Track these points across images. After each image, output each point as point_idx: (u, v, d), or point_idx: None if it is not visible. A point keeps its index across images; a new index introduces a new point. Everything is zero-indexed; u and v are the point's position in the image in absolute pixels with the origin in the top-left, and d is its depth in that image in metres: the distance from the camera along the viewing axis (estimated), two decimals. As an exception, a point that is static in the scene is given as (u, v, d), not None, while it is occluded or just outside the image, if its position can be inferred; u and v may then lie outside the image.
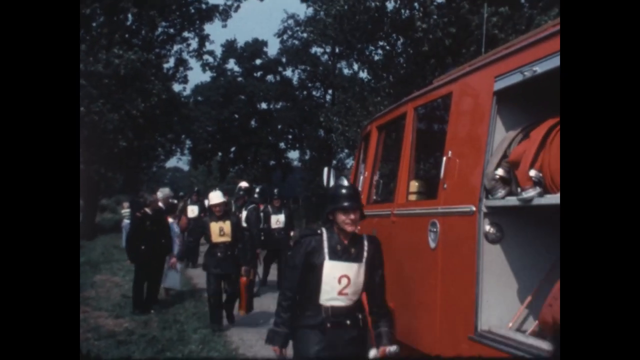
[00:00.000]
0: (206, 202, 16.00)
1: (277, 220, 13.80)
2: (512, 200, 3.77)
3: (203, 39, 33.60)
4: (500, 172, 3.89)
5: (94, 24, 26.16)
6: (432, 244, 4.53)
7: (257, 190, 14.36)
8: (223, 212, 9.48)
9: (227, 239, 9.38)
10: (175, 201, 17.72)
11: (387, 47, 20.55)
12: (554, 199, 3.39)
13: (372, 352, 4.41)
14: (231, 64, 49.17)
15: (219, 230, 9.38)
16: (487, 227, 3.97)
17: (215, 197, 9.59)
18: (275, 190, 14.75)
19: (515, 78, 3.77)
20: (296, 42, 44.88)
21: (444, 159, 4.48)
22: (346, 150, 28.43)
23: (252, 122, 49.49)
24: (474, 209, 4.02)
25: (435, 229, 4.50)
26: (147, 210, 10.91)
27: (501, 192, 3.89)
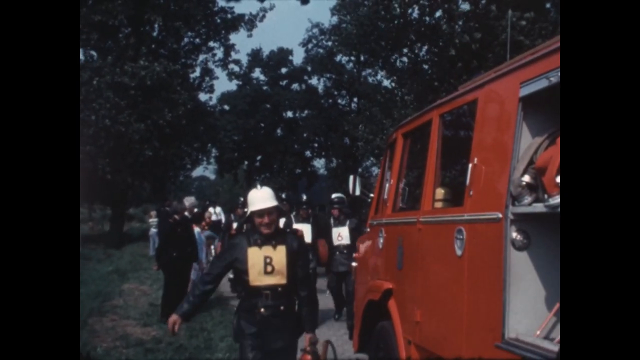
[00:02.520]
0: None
1: (339, 234, 10.92)
2: (539, 207, 3.74)
3: (229, 48, 33.79)
4: (526, 178, 3.86)
5: (120, 36, 26.47)
6: (459, 252, 4.50)
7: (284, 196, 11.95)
8: (274, 230, 5.07)
9: (278, 280, 5.00)
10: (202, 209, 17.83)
11: (412, 55, 20.52)
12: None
13: None
14: (257, 73, 49.55)
15: (264, 264, 4.97)
16: (514, 234, 3.94)
17: (261, 198, 5.05)
18: (334, 196, 11.49)
19: (541, 84, 3.74)
20: (321, 50, 45.02)
21: (470, 165, 4.46)
22: (372, 158, 28.41)
23: (278, 131, 49.70)
24: (500, 216, 3.99)
25: (461, 237, 4.48)
26: (177, 217, 11.13)
27: (528, 199, 3.86)
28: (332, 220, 11.18)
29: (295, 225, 10.80)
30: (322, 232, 11.15)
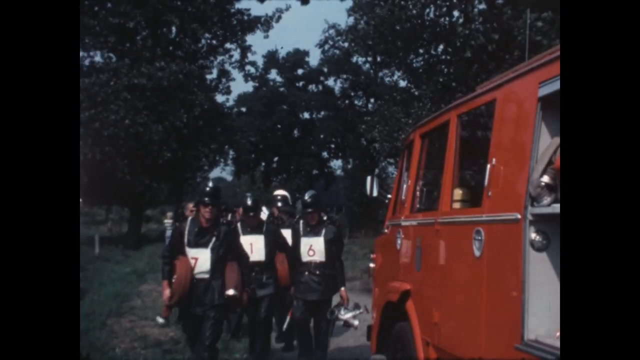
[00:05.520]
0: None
1: (311, 247, 7.76)
2: (558, 208, 3.72)
3: (245, 49, 33.83)
4: (545, 179, 3.83)
5: (138, 38, 26.63)
6: (477, 253, 4.48)
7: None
8: None
9: None
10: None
11: (427, 55, 20.48)
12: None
13: None
14: (273, 74, 49.71)
15: None
16: (533, 235, 3.91)
17: None
18: (307, 196, 8.02)
19: (560, 84, 3.71)
20: (337, 51, 45.03)
21: (488, 166, 4.44)
22: (389, 159, 28.35)
23: (295, 132, 49.80)
24: (519, 216, 3.96)
25: (479, 237, 4.46)
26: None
27: (547, 200, 3.83)
28: (301, 228, 7.89)
29: (243, 238, 7.66)
30: (279, 244, 8.13)
